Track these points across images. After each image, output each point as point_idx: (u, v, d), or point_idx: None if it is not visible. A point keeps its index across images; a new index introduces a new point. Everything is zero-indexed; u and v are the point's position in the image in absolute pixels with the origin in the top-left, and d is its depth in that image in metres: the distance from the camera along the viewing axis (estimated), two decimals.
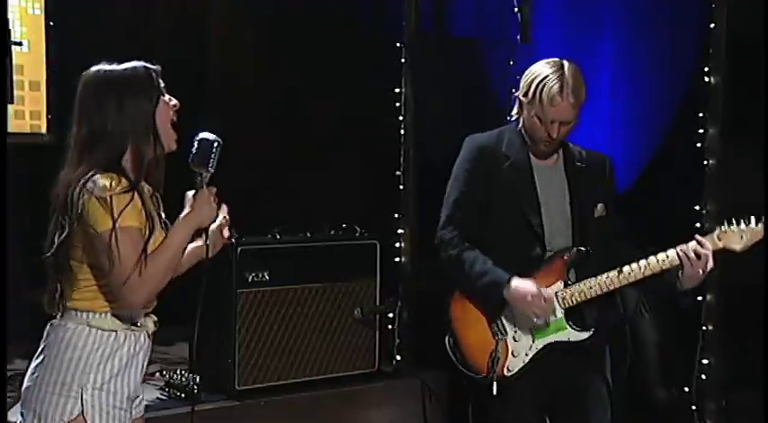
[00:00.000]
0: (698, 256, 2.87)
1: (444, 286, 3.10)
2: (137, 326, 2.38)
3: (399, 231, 4.49)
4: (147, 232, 2.28)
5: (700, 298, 4.16)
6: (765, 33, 4.02)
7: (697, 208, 4.15)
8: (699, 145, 4.18)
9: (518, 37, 4.76)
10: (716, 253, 2.94)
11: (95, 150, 2.28)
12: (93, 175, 2.25)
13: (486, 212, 3.01)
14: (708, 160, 4.17)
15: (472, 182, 3.01)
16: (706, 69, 4.17)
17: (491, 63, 4.69)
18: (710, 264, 2.88)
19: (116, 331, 2.34)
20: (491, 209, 3.01)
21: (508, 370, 2.96)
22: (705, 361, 4.13)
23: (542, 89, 2.90)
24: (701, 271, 2.88)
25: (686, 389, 4.15)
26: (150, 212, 2.32)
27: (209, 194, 2.32)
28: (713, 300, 4.16)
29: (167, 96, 2.36)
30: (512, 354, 2.97)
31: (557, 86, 2.89)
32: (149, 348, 2.44)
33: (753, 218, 2.93)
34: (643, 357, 4.23)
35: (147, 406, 3.60)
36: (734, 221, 2.93)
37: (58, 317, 2.35)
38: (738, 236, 2.92)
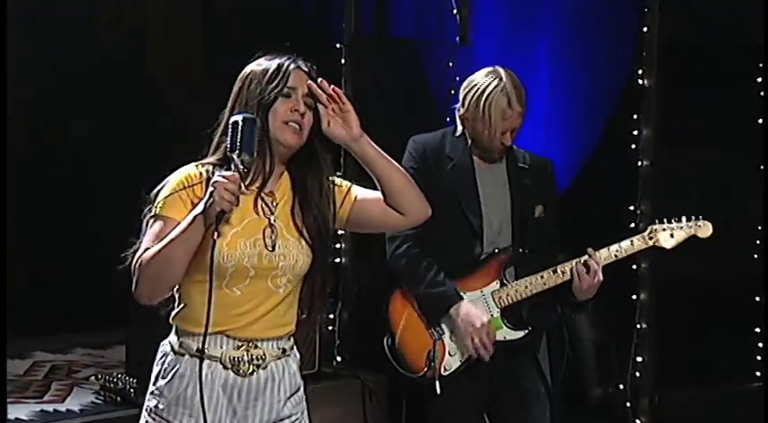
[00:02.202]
0: (587, 268, 2.92)
1: (384, 286, 3.11)
2: (203, 353, 2.05)
3: (339, 232, 4.49)
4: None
5: (634, 297, 4.24)
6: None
7: (631, 208, 4.23)
8: (633, 146, 4.26)
9: (457, 38, 4.80)
10: (648, 250, 3.02)
11: (216, 135, 2.14)
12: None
13: None
14: (641, 161, 4.26)
15: (416, 181, 3.02)
16: (639, 72, 4.25)
17: (431, 64, 4.72)
18: (599, 277, 2.92)
19: (184, 355, 2.09)
20: (433, 208, 3.03)
21: (445, 369, 2.98)
22: (639, 358, 4.21)
23: (490, 105, 2.93)
24: (585, 285, 2.91)
25: (621, 386, 4.23)
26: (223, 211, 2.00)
27: (217, 178, 1.98)
28: (647, 298, 4.24)
29: (294, 98, 2.13)
30: (448, 353, 2.99)
31: (504, 100, 2.93)
32: (241, 388, 2.09)
33: (683, 218, 3.01)
34: (579, 355, 4.29)
35: (81, 410, 3.60)
36: (665, 220, 3.01)
37: None
38: (668, 234, 3.00)
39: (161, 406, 2.10)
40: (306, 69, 2.17)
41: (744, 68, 4.39)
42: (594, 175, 4.51)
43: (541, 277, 2.98)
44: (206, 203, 1.98)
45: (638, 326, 4.23)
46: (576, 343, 4.24)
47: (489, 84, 2.95)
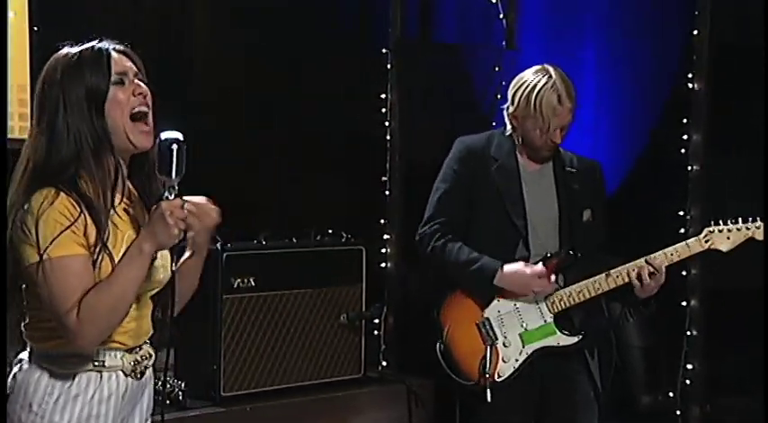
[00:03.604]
0: (650, 273, 2.91)
1: (432, 291, 3.10)
2: (103, 366, 1.97)
3: (385, 237, 4.49)
4: (100, 257, 1.90)
5: (684, 303, 4.19)
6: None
7: (681, 213, 4.18)
8: (683, 151, 4.21)
9: (503, 43, 4.79)
10: (703, 254, 2.98)
11: (39, 159, 1.91)
12: (31, 193, 1.89)
13: (472, 213, 3.03)
14: (691, 166, 4.21)
15: (458, 181, 3.03)
16: (689, 76, 4.20)
17: (477, 69, 4.71)
18: (662, 279, 2.92)
19: (75, 374, 1.96)
20: (477, 209, 3.03)
21: (498, 375, 2.97)
22: (689, 366, 4.15)
23: (540, 101, 2.93)
24: (648, 288, 2.91)
25: (671, 394, 4.17)
26: (115, 230, 1.93)
27: (168, 208, 1.88)
28: (697, 305, 4.18)
29: (128, 83, 1.96)
30: (502, 359, 2.98)
31: (555, 96, 2.93)
32: (134, 391, 2.04)
33: (740, 219, 2.95)
34: (628, 362, 4.24)
35: None
36: (720, 222, 2.96)
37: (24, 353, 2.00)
38: (725, 237, 2.95)
39: None
40: (122, 48, 2.01)
41: None
42: (644, 180, 4.46)
43: (595, 282, 2.95)
44: (157, 237, 1.88)
45: (689, 332, 4.17)
46: (625, 349, 4.19)
47: (539, 80, 2.94)
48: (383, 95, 4.50)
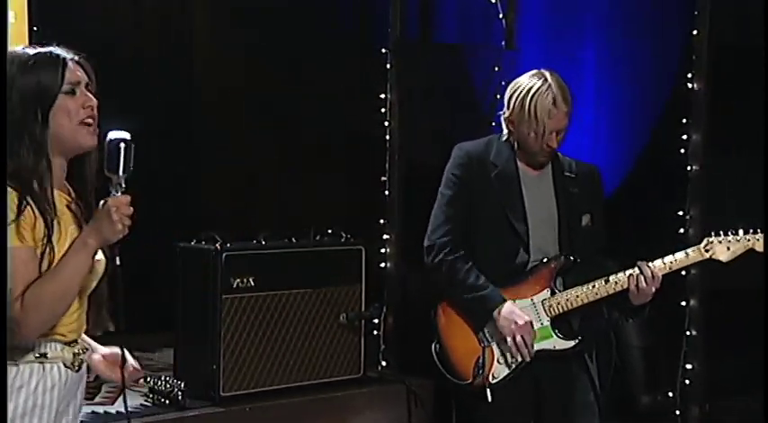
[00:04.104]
0: (646, 279, 2.91)
1: (431, 292, 3.10)
2: (45, 357, 2.02)
3: (385, 237, 4.49)
4: (46, 250, 1.95)
5: (683, 303, 4.19)
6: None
7: (680, 213, 4.18)
8: (682, 151, 4.21)
9: (503, 43, 4.79)
10: (702, 262, 2.98)
11: None
12: None
13: (473, 218, 3.03)
14: (691, 166, 4.20)
15: (460, 187, 3.03)
16: (689, 76, 4.20)
17: (476, 69, 4.72)
18: (657, 285, 2.92)
19: (17, 365, 1.99)
20: (478, 215, 3.03)
21: (493, 377, 2.97)
22: (689, 366, 4.15)
23: (535, 105, 2.92)
24: (643, 294, 2.91)
25: (670, 394, 4.17)
26: (59, 225, 2.00)
27: (114, 205, 1.96)
28: (697, 305, 4.18)
29: (79, 93, 2.02)
30: (497, 361, 2.98)
31: (549, 99, 2.92)
32: (73, 383, 2.08)
33: (740, 230, 2.95)
34: (627, 362, 4.25)
35: (131, 412, 3.64)
36: (721, 233, 2.96)
37: None
38: (725, 247, 2.95)
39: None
40: (77, 58, 2.06)
41: None
42: (643, 180, 4.46)
43: (593, 287, 2.95)
44: (102, 232, 1.95)
45: (688, 332, 4.17)
46: (624, 349, 4.20)
47: (534, 84, 2.94)
48: (383, 95, 4.50)
